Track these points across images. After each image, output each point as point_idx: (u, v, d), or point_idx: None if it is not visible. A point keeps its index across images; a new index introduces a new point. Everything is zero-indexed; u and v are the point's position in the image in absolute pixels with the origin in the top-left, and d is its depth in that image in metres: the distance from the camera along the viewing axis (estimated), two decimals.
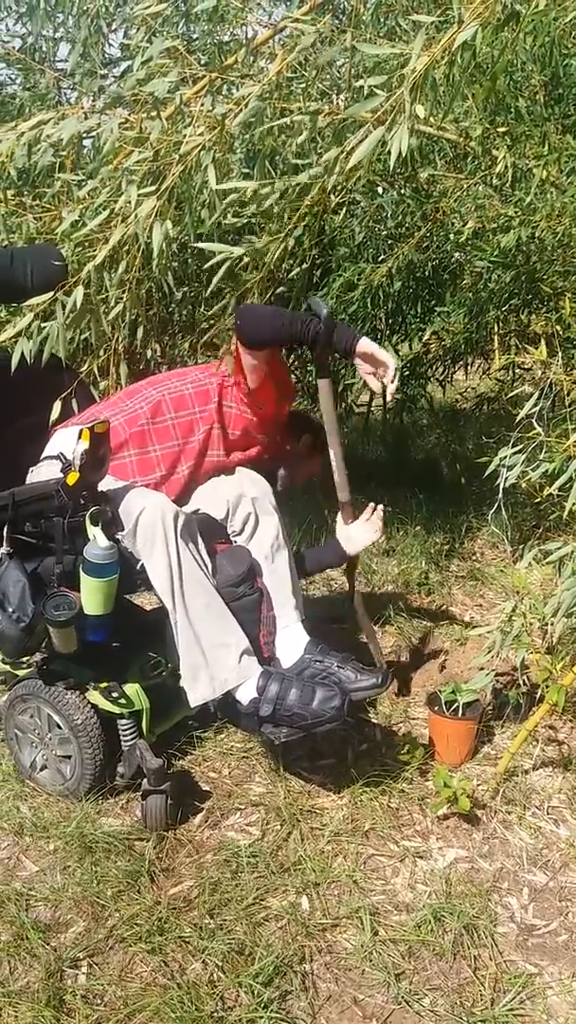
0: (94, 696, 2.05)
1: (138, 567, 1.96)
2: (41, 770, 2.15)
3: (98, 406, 2.28)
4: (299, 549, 2.39)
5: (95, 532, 1.86)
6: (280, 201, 2.23)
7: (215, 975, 1.63)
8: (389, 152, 1.64)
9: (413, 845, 2.01)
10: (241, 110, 2.10)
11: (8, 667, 2.24)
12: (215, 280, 1.93)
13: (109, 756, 2.08)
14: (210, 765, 2.27)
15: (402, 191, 2.88)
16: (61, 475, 1.88)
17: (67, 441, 2.10)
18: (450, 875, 1.91)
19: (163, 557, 1.92)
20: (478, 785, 2.20)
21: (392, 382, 2.12)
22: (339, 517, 2.33)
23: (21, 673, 2.18)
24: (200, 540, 2.00)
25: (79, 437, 1.81)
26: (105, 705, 2.03)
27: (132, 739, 2.07)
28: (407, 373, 3.62)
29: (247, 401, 2.18)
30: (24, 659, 2.14)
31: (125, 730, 2.07)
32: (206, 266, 2.10)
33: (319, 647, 2.11)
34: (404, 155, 1.61)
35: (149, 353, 2.76)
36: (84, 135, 2.44)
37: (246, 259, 1.96)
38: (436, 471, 4.44)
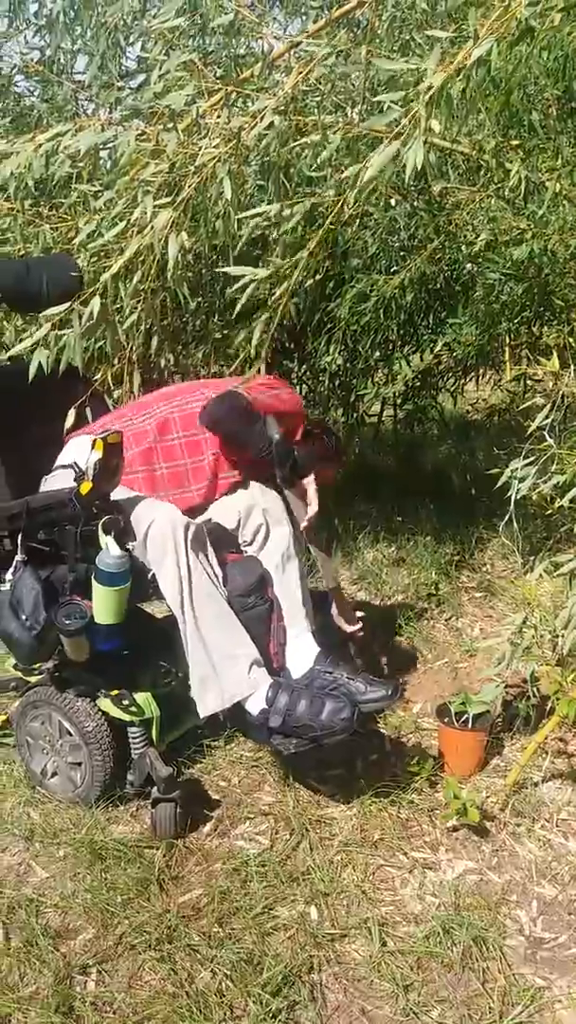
0: (105, 704, 2.06)
1: (149, 576, 1.97)
2: (51, 777, 2.16)
3: (108, 417, 2.30)
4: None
5: (107, 541, 1.88)
6: (301, 220, 2.25)
7: (224, 984, 1.63)
8: (404, 166, 1.65)
9: (422, 856, 2.01)
10: (257, 123, 2.12)
11: (19, 674, 2.25)
12: (240, 302, 1.95)
13: (119, 764, 2.09)
14: (220, 774, 2.28)
15: (415, 204, 2.89)
16: (74, 484, 1.90)
17: (81, 449, 2.12)
18: (459, 887, 1.91)
19: (173, 568, 1.93)
20: (487, 797, 2.20)
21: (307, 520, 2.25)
22: None
23: (32, 680, 2.20)
24: (211, 550, 2.01)
25: (92, 447, 1.82)
26: (116, 713, 2.04)
27: (142, 747, 2.08)
28: (418, 384, 3.63)
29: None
30: (36, 666, 2.15)
31: (135, 738, 2.08)
32: (233, 288, 2.11)
33: (329, 658, 2.11)
34: (419, 169, 1.62)
35: (163, 362, 2.78)
36: (101, 147, 2.46)
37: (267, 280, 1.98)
38: (447, 482, 4.44)
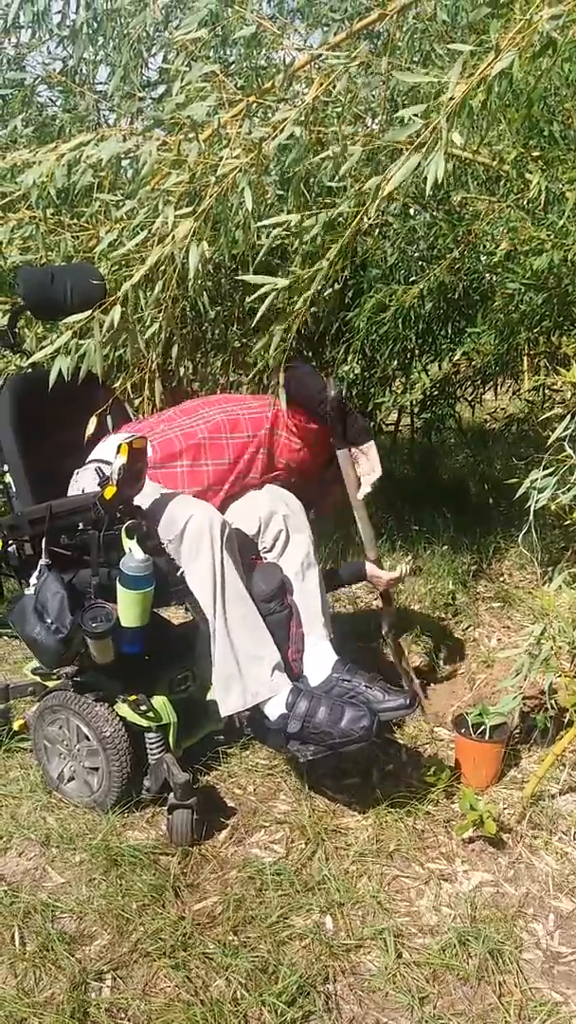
0: (122, 709, 2.07)
1: (178, 574, 1.98)
2: (68, 782, 2.17)
3: (151, 420, 2.32)
4: (329, 565, 2.41)
5: (131, 545, 1.89)
6: (321, 230, 2.27)
7: (238, 993, 1.63)
8: (425, 178, 1.65)
9: (438, 867, 2.00)
10: (277, 134, 2.14)
11: (38, 678, 2.27)
12: (260, 312, 1.97)
13: (136, 769, 2.09)
14: (235, 781, 2.28)
15: (435, 214, 2.90)
16: (98, 488, 1.91)
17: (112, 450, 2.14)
18: (475, 899, 1.90)
19: (208, 565, 1.95)
20: (504, 809, 2.19)
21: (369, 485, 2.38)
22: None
23: (51, 684, 2.21)
24: (238, 553, 2.02)
25: (117, 451, 1.84)
26: (133, 718, 2.05)
27: (159, 753, 2.08)
28: (436, 393, 3.63)
29: (298, 433, 2.24)
30: (55, 670, 2.16)
31: (152, 743, 2.09)
32: (252, 297, 2.13)
33: (347, 666, 2.11)
34: (439, 181, 1.63)
35: (182, 371, 2.80)
36: (123, 156, 2.49)
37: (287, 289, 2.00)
38: (464, 491, 4.43)
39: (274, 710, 1.95)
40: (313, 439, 2.33)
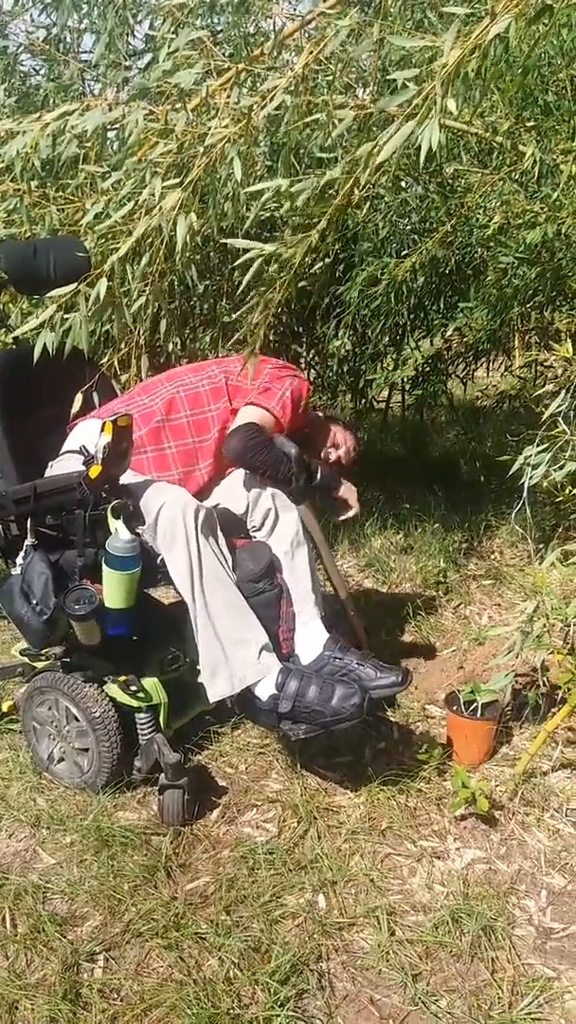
0: (112, 689, 2.05)
1: (158, 561, 1.96)
2: (58, 763, 2.15)
3: (116, 401, 2.28)
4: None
5: (117, 525, 1.86)
6: (310, 197, 2.22)
7: (231, 972, 1.63)
8: (418, 147, 1.61)
9: (430, 845, 1.99)
10: (267, 103, 2.08)
11: (26, 659, 2.24)
12: (245, 280, 1.92)
13: (126, 750, 2.08)
14: (227, 760, 2.27)
15: (427, 186, 2.85)
16: (83, 468, 1.88)
17: (89, 433, 2.10)
18: (467, 876, 1.90)
19: (183, 552, 1.92)
20: (496, 786, 2.19)
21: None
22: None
23: (40, 665, 2.19)
24: (221, 535, 1.99)
25: (102, 430, 1.80)
26: (123, 698, 2.03)
27: (150, 733, 2.07)
28: (428, 369, 3.60)
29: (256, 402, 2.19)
30: (43, 652, 2.14)
31: (143, 724, 2.07)
32: (235, 264, 2.08)
33: (338, 644, 2.09)
34: (434, 150, 1.59)
35: (170, 347, 2.75)
36: (108, 127, 2.44)
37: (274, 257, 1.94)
38: (455, 468, 4.41)
39: (264, 691, 1.94)
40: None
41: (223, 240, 2.06)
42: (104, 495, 1.88)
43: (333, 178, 2.06)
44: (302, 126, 2.17)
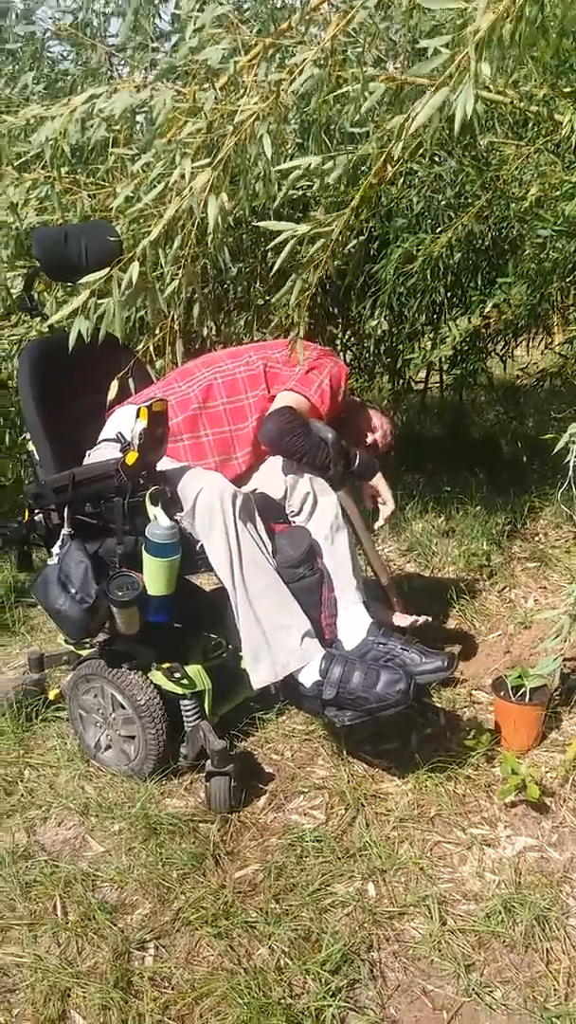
0: (156, 676, 2.04)
1: (198, 547, 1.94)
2: (106, 750, 2.15)
3: (153, 387, 2.26)
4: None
5: (156, 512, 1.84)
6: (343, 173, 2.17)
7: (282, 961, 1.61)
8: (452, 116, 1.55)
9: (480, 833, 1.95)
10: (295, 77, 2.03)
11: (72, 647, 2.24)
12: (279, 261, 1.88)
13: (172, 736, 2.07)
14: (272, 747, 2.25)
15: (461, 159, 2.78)
16: (120, 455, 1.86)
17: (125, 420, 2.09)
18: (519, 864, 1.86)
19: (222, 538, 1.89)
20: (546, 772, 2.14)
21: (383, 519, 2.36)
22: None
23: (84, 653, 2.18)
24: (259, 520, 1.97)
25: (137, 416, 1.78)
26: (167, 685, 2.02)
27: (195, 720, 2.05)
28: (466, 348, 3.53)
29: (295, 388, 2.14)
30: (88, 640, 2.13)
31: (188, 711, 2.06)
32: (269, 246, 2.04)
33: (381, 629, 2.06)
34: (468, 119, 1.53)
35: (205, 331, 2.72)
36: (137, 109, 2.40)
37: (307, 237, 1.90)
38: (496, 449, 4.33)
39: (308, 677, 1.91)
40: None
41: (258, 224, 2.01)
42: (141, 482, 1.86)
43: (366, 154, 2.02)
44: (332, 100, 2.11)
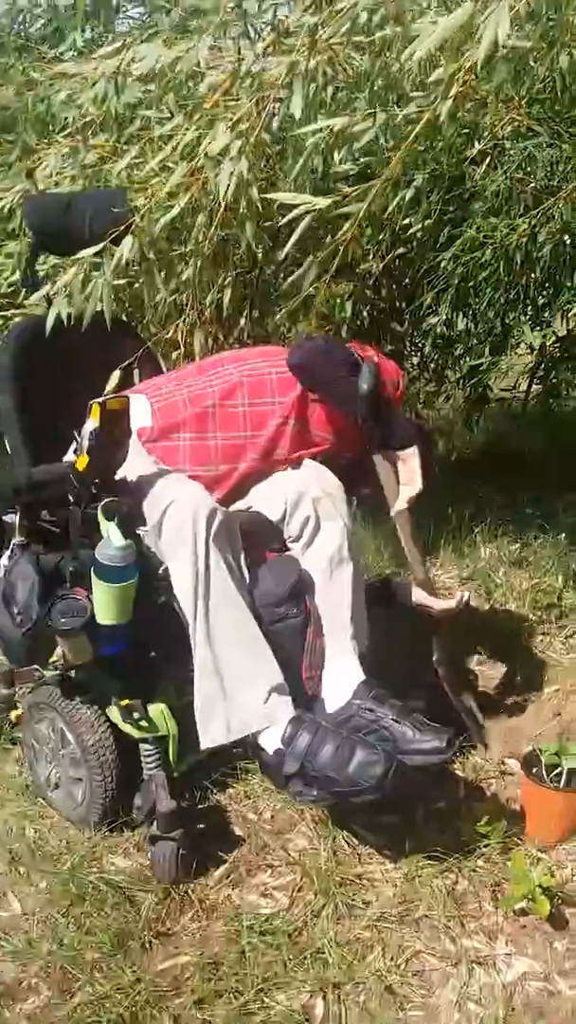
0: (113, 714, 1.77)
1: (161, 570, 1.66)
2: (55, 789, 1.90)
3: (162, 378, 1.99)
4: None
5: (108, 529, 1.57)
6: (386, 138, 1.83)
7: None
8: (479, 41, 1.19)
9: (473, 946, 1.60)
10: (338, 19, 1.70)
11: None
12: (291, 242, 1.57)
13: (126, 784, 1.80)
14: (251, 804, 1.95)
15: (559, 133, 2.37)
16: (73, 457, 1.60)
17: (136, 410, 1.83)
18: (515, 995, 1.50)
19: (189, 563, 1.60)
20: (573, 875, 1.75)
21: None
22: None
23: (48, 674, 1.95)
24: (241, 546, 1.67)
25: (88, 413, 1.51)
26: (124, 726, 1.76)
27: (154, 768, 1.78)
28: (559, 354, 3.10)
29: None
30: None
31: (147, 757, 1.79)
32: (282, 221, 1.73)
33: (373, 691, 1.70)
34: (500, 44, 1.17)
35: (242, 322, 2.42)
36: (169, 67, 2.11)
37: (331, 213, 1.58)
38: None
39: (269, 743, 1.60)
40: None
41: (268, 196, 1.70)
42: (94, 491, 1.59)
43: (409, 113, 1.67)
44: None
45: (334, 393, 1.80)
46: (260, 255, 2.12)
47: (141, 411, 1.80)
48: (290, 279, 1.72)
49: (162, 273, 1.95)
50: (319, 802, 1.58)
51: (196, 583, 1.61)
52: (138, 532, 1.62)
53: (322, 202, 1.65)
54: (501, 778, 2.06)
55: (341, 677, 1.73)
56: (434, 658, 2.02)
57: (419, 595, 1.96)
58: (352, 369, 1.78)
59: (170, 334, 2.16)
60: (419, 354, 3.14)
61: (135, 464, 1.68)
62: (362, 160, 1.92)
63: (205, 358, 2.06)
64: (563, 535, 3.22)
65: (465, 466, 3.88)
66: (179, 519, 1.62)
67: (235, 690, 1.61)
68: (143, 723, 1.75)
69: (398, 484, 1.86)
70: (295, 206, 1.64)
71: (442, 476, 2.44)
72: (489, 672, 2.49)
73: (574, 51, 2.11)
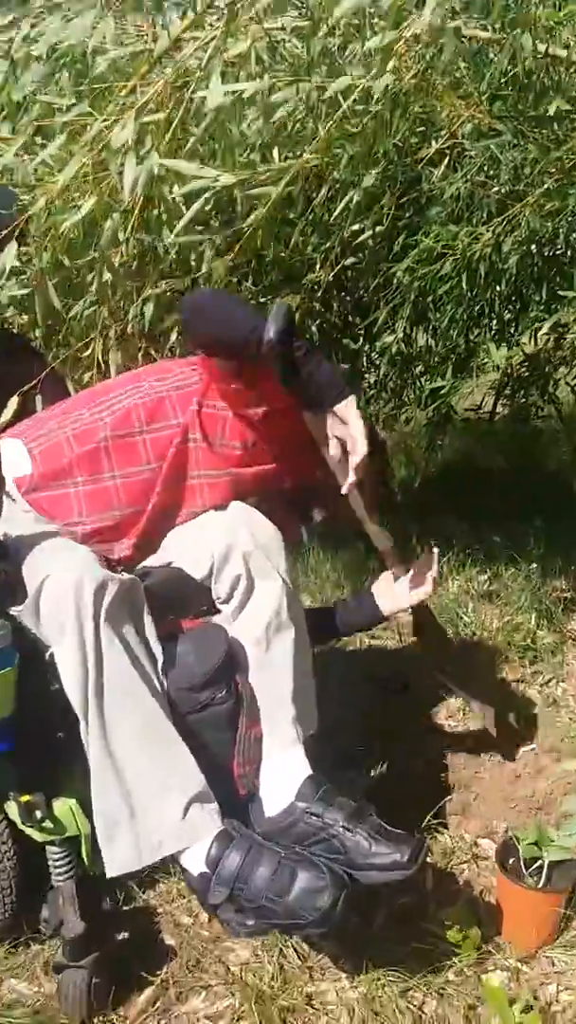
0: (12, 811, 1.47)
1: (48, 655, 1.36)
2: None
3: (49, 411, 1.68)
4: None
5: None
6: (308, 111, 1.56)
7: None
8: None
9: None
10: None
11: None
12: (183, 221, 1.29)
13: (28, 894, 1.51)
14: (186, 905, 1.66)
15: (519, 130, 2.14)
16: None
17: (9, 456, 1.53)
18: None
19: (74, 650, 1.30)
20: (560, 991, 1.49)
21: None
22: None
23: None
24: (149, 617, 1.37)
25: None
26: (23, 827, 1.46)
27: (63, 877, 1.49)
28: (526, 374, 2.87)
29: (240, 397, 1.54)
30: None
31: (55, 861, 1.50)
32: (179, 192, 1.44)
33: (321, 789, 1.40)
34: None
35: (173, 336, 2.14)
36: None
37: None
38: (562, 496, 3.61)
39: (193, 864, 1.30)
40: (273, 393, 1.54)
41: (161, 162, 1.42)
42: None
43: (337, 88, 1.40)
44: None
45: (236, 342, 1.43)
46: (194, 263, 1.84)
47: (16, 456, 1.51)
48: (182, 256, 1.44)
49: (71, 283, 1.67)
50: (256, 934, 1.30)
51: (85, 675, 1.30)
52: (13, 611, 1.32)
53: (227, 178, 1.37)
54: (474, 863, 1.80)
55: (282, 773, 1.42)
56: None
57: (387, 604, 1.71)
58: (255, 312, 1.45)
59: (88, 352, 1.87)
60: (376, 372, 2.88)
61: (12, 521, 1.39)
62: (281, 135, 1.64)
63: (100, 383, 1.76)
64: (535, 565, 2.98)
65: (428, 486, 3.66)
66: (55, 598, 1.31)
67: (143, 805, 1.31)
68: (46, 824, 1.45)
69: (344, 454, 1.48)
70: (196, 179, 1.35)
71: (404, 497, 2.17)
72: (460, 729, 2.23)
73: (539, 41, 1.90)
